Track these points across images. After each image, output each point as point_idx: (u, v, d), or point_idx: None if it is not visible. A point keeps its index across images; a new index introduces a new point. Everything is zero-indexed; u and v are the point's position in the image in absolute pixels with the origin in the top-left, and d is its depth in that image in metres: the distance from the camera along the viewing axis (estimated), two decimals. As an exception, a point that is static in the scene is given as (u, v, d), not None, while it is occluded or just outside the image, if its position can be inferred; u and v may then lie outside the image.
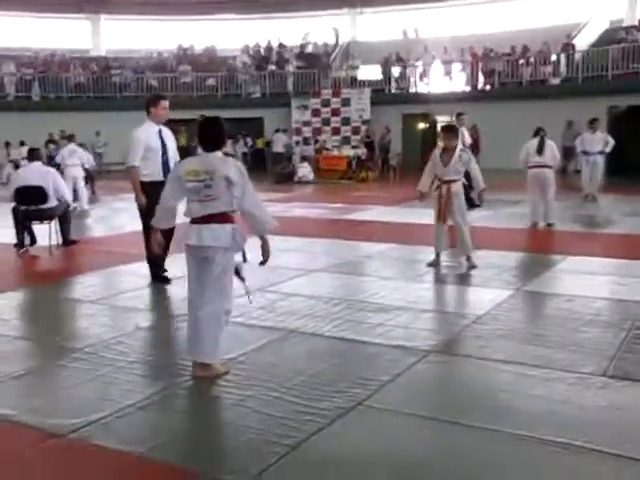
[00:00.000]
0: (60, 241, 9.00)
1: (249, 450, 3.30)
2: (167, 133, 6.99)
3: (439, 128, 23.66)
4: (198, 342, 4.20)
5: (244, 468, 3.13)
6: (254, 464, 3.16)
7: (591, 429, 3.46)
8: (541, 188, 10.31)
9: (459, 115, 12.82)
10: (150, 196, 6.25)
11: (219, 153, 4.21)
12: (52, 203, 8.80)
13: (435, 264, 7.44)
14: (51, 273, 8.06)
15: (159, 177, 6.58)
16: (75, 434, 3.46)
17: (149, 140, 6.74)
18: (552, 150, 10.40)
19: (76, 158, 13.75)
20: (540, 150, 10.25)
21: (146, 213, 6.60)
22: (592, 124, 13.73)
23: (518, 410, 3.74)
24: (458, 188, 7.27)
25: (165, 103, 6.90)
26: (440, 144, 7.49)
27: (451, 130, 7.58)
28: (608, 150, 13.82)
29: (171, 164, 6.74)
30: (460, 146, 7.33)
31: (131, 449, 3.31)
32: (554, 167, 10.54)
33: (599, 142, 13.61)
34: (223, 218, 4.13)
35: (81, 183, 13.64)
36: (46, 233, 8.76)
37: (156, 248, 4.55)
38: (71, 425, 3.54)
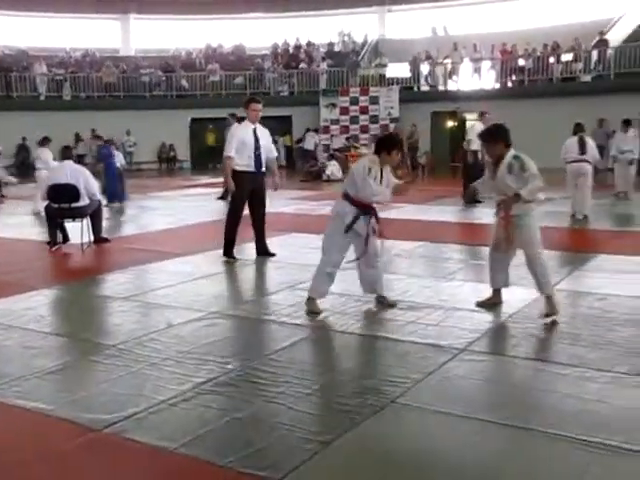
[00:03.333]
0: (92, 239, 9.08)
1: (282, 446, 3.32)
2: (263, 132, 7.96)
3: (468, 126, 23.68)
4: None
5: (278, 464, 3.14)
6: (287, 460, 3.17)
7: (627, 429, 3.42)
8: (580, 180, 10.70)
9: (482, 114, 12.70)
10: (239, 184, 7.68)
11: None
12: (84, 201, 8.89)
13: (487, 304, 5.69)
14: (83, 270, 8.17)
15: (250, 168, 7.73)
16: (110, 429, 3.51)
17: (244, 136, 7.73)
18: (592, 150, 10.81)
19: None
20: (582, 150, 10.63)
21: (234, 198, 7.86)
22: (626, 125, 13.59)
23: (551, 408, 3.71)
24: (523, 209, 5.45)
25: (255, 105, 7.83)
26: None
27: (487, 136, 5.63)
28: (637, 156, 13.56)
29: (263, 158, 7.86)
30: (512, 153, 5.45)
31: (165, 444, 3.34)
32: (593, 164, 10.94)
33: (632, 142, 13.46)
34: None
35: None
36: (78, 231, 8.87)
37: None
38: (106, 420, 3.59)
